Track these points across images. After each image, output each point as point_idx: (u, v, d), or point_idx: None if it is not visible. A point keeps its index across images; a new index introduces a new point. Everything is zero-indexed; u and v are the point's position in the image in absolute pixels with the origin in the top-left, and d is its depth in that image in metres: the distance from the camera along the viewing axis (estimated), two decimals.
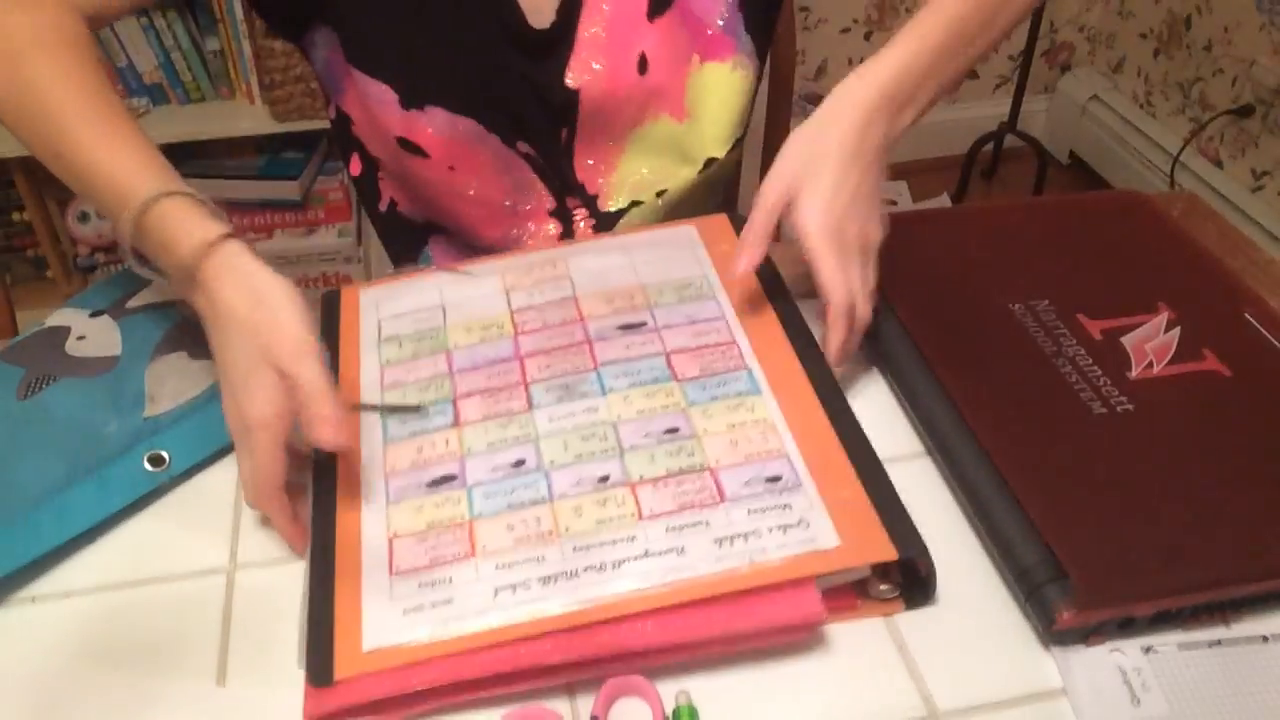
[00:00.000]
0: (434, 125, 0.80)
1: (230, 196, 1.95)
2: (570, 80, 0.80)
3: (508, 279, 0.73)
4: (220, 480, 0.63)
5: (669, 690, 0.51)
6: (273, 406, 0.55)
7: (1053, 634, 0.53)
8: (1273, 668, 0.52)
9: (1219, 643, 0.53)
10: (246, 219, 1.97)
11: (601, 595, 0.52)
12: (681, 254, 0.74)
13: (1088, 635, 0.53)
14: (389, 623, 0.52)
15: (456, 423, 0.63)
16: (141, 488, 0.61)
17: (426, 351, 0.68)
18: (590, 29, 0.79)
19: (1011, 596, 0.55)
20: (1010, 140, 2.25)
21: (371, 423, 0.63)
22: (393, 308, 0.72)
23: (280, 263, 1.99)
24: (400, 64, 0.79)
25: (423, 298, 0.72)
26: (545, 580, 0.53)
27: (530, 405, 0.63)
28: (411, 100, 0.79)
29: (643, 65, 0.81)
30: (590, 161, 0.86)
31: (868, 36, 2.22)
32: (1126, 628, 0.53)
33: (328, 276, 2.04)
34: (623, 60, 0.80)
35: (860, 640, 0.54)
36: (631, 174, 0.86)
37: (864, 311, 0.64)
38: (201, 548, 0.59)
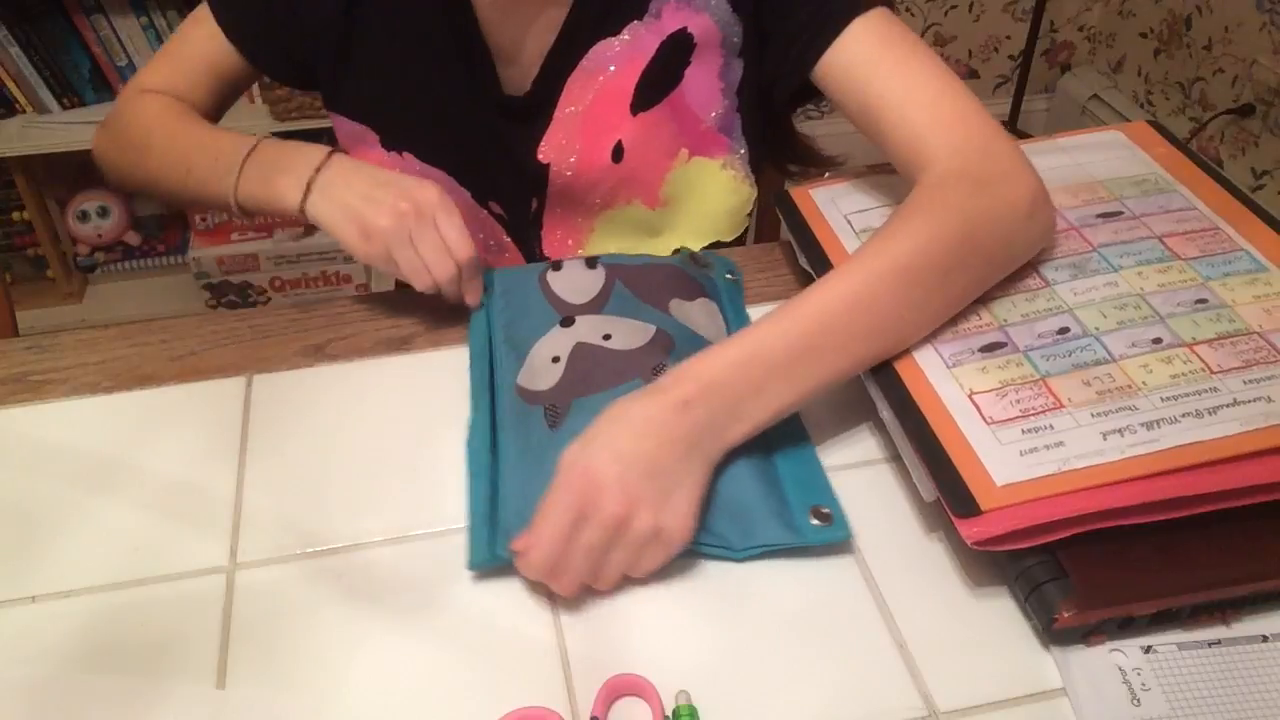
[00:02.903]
0: (408, 169, 0.81)
1: None
2: (542, 155, 0.81)
3: None
4: (220, 480, 0.64)
5: (669, 690, 0.51)
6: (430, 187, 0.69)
7: (1052, 633, 0.53)
8: (1273, 668, 0.52)
9: (1219, 642, 0.53)
10: (246, 218, 1.97)
11: (1208, 436, 0.54)
12: (1121, 154, 0.78)
13: (1087, 635, 0.53)
14: (1011, 462, 0.55)
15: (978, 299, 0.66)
16: None
17: None
18: (569, 108, 0.79)
19: (1011, 596, 0.55)
20: None
21: None
22: (852, 204, 0.76)
23: (280, 262, 2.00)
24: (378, 111, 0.81)
25: (879, 194, 0.76)
26: (1149, 425, 0.56)
27: (1046, 282, 0.67)
28: (389, 142, 0.81)
29: (618, 153, 0.80)
30: (559, 234, 0.86)
31: None
32: (1126, 627, 0.53)
33: (327, 276, 2.04)
34: (597, 146, 0.80)
35: (860, 640, 0.54)
36: (600, 250, 0.86)
37: None
38: (201, 548, 0.59)
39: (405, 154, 0.81)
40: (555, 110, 0.79)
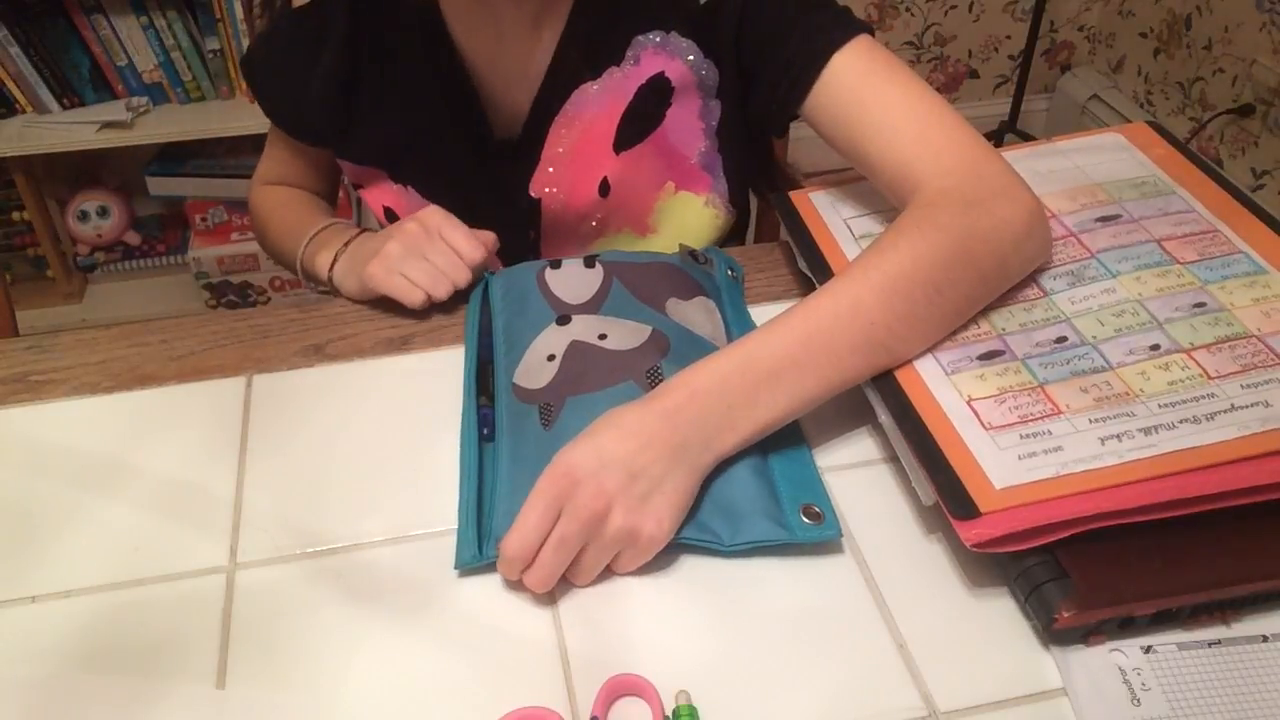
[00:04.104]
0: (411, 203, 0.86)
1: (230, 196, 1.95)
2: (533, 191, 0.84)
3: None
4: (220, 480, 0.64)
5: (669, 690, 0.51)
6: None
7: (1053, 633, 0.53)
8: (1273, 668, 0.52)
9: (1219, 642, 0.53)
10: (246, 218, 1.97)
11: (1205, 441, 0.55)
12: (1120, 156, 0.79)
13: (1087, 635, 0.53)
14: (1009, 465, 0.56)
15: None
16: None
17: None
18: (556, 148, 0.82)
19: (1011, 596, 0.55)
20: (1010, 140, 2.25)
21: None
22: (852, 208, 0.77)
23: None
24: (380, 157, 0.86)
25: (879, 199, 0.76)
26: (1146, 430, 0.56)
27: (1044, 292, 0.67)
28: (397, 178, 0.87)
29: (604, 189, 0.83)
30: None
31: None
32: (1126, 627, 0.53)
33: None
34: (584, 182, 0.83)
35: (860, 640, 0.54)
36: None
37: None
38: (202, 548, 0.59)
39: (409, 188, 0.86)
40: (544, 150, 0.82)
